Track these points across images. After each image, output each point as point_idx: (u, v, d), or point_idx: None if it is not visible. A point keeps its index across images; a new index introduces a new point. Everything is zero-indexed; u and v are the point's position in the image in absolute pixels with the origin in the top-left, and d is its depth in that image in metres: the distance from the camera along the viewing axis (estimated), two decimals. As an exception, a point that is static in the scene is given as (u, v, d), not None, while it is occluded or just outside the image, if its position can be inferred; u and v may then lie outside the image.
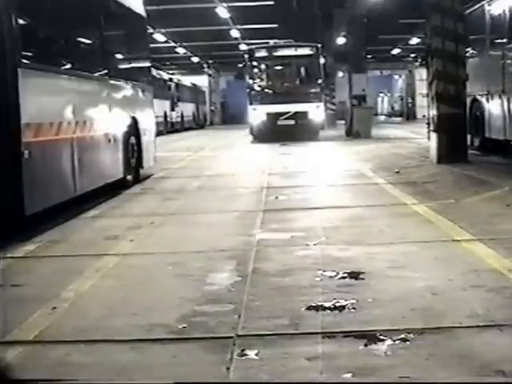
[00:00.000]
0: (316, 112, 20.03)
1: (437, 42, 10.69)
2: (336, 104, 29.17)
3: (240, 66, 22.53)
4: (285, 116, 19.48)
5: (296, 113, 19.52)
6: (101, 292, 4.30)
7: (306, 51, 20.96)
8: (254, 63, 20.98)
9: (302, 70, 21.57)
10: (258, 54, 21.05)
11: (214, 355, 3.14)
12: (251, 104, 20.39)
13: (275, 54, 21.31)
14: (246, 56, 21.22)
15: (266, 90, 20.86)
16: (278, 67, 21.78)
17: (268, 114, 19.80)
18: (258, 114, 20.01)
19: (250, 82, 20.75)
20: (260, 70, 21.63)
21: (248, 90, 20.79)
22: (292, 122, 19.49)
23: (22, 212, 5.79)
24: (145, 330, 3.47)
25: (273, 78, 21.47)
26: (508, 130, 11.09)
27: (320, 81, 20.71)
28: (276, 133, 19.32)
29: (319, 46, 20.81)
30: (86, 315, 3.81)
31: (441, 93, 10.69)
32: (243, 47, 27.73)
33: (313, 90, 20.41)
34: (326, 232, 5.79)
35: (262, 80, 21.48)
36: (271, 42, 22.00)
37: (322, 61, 20.91)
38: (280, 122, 19.57)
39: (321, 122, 20.34)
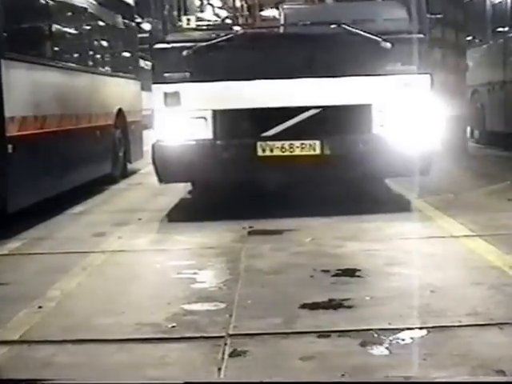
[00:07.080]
0: (409, 109, 5.93)
1: (436, 30, 10.59)
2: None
3: None
4: (284, 125, 5.83)
5: (325, 111, 5.86)
6: (88, 290, 4.23)
7: None
8: None
9: None
10: None
11: (204, 355, 3.06)
12: (156, 83, 6.04)
13: None
14: None
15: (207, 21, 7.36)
16: None
17: (222, 117, 5.92)
18: (178, 118, 5.92)
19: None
20: None
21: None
22: (313, 149, 5.88)
23: (5, 209, 5.66)
24: (133, 330, 3.40)
25: None
26: (509, 123, 10.98)
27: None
28: (255, 188, 6.47)
29: None
30: (72, 314, 3.75)
31: (440, 83, 10.61)
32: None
33: (393, 28, 6.22)
34: (319, 228, 5.69)
35: None
36: None
37: None
38: (264, 151, 5.88)
39: (429, 152, 6.00)
